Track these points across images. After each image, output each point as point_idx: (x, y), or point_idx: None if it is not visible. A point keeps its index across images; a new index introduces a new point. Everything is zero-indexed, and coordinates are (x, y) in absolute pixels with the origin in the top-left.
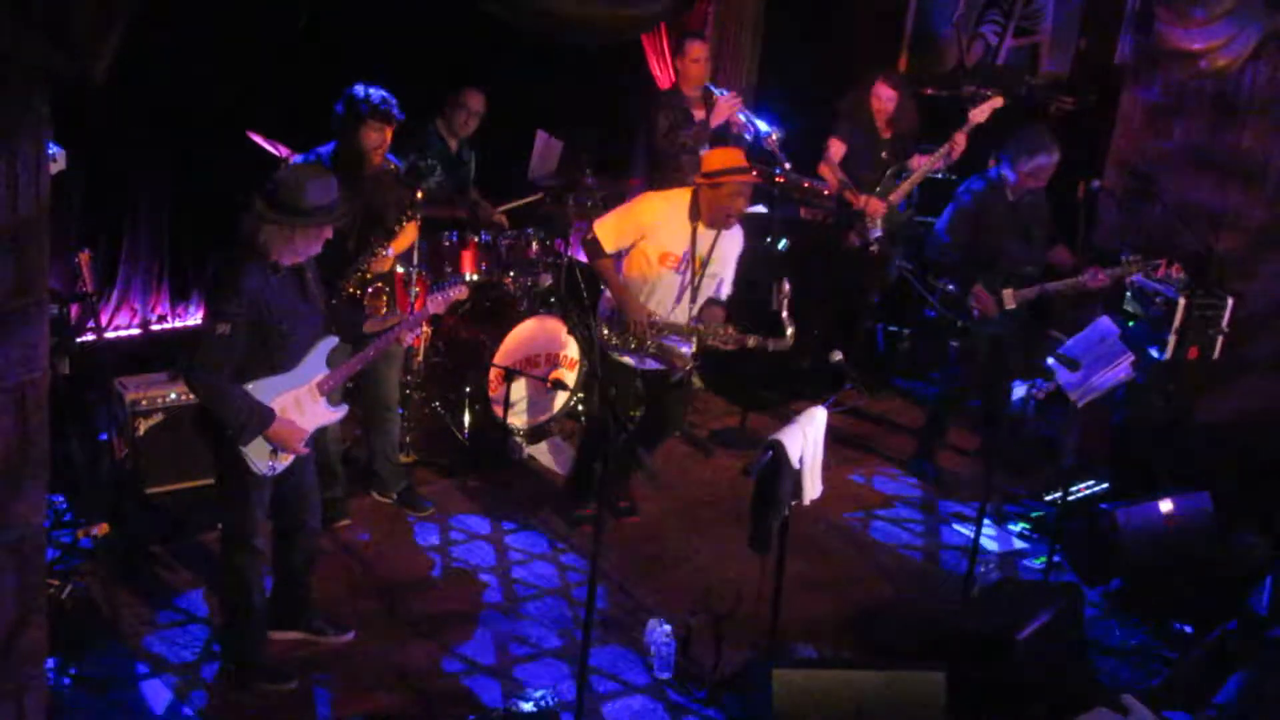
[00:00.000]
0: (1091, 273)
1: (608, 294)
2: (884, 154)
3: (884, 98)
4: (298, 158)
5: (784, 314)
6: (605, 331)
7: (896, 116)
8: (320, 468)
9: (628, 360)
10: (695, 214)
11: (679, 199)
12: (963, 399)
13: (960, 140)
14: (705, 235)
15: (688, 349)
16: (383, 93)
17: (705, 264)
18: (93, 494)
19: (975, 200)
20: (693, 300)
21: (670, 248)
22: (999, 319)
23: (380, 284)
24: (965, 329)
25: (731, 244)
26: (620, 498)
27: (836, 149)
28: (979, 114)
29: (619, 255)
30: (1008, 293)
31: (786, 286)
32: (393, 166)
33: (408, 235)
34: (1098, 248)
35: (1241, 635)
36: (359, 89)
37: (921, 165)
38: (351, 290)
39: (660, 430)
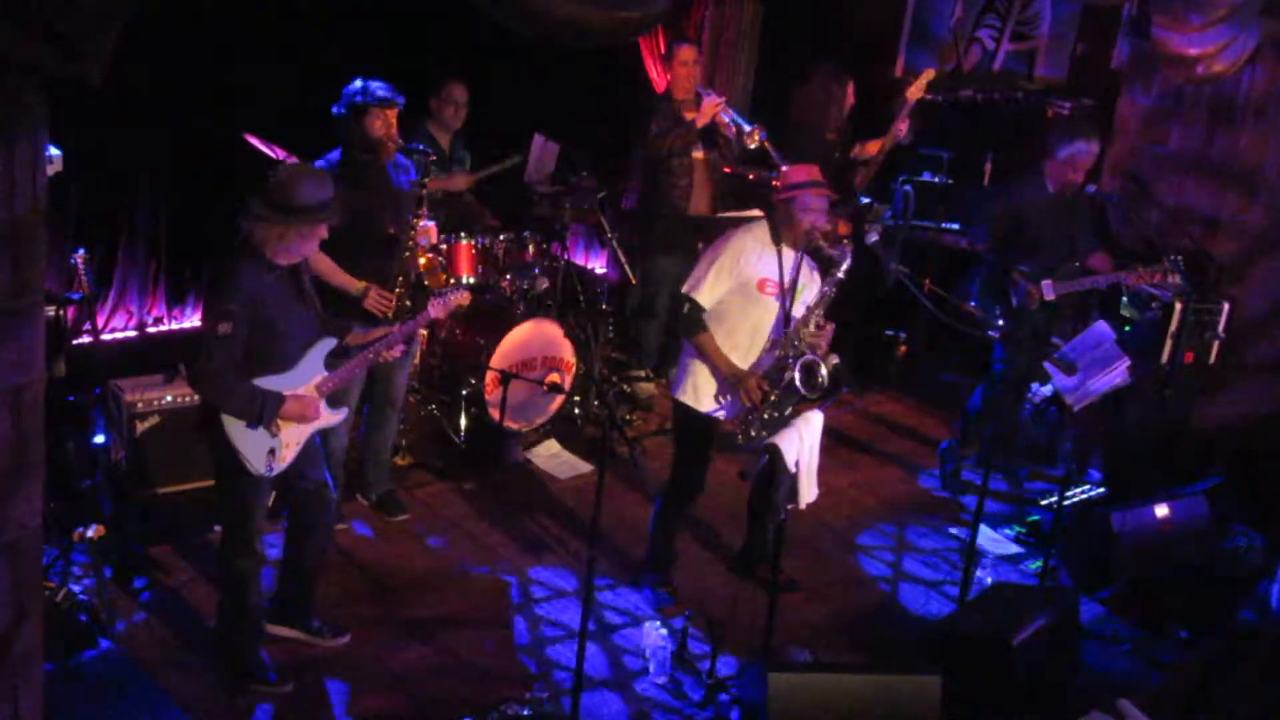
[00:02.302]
0: (1135, 271)
1: (692, 370)
2: (836, 154)
3: (851, 94)
4: (319, 164)
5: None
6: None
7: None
8: None
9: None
10: (776, 237)
11: (759, 227)
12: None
13: (903, 122)
14: (789, 259)
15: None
16: (377, 81)
17: (792, 289)
18: (89, 496)
19: (1014, 194)
20: (787, 325)
21: (767, 274)
22: (1040, 311)
23: (433, 255)
24: (1004, 330)
25: (811, 270)
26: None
27: None
28: (914, 92)
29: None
30: (1047, 283)
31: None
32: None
33: (429, 234)
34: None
35: (1237, 640)
36: (353, 84)
37: (872, 154)
38: (414, 271)
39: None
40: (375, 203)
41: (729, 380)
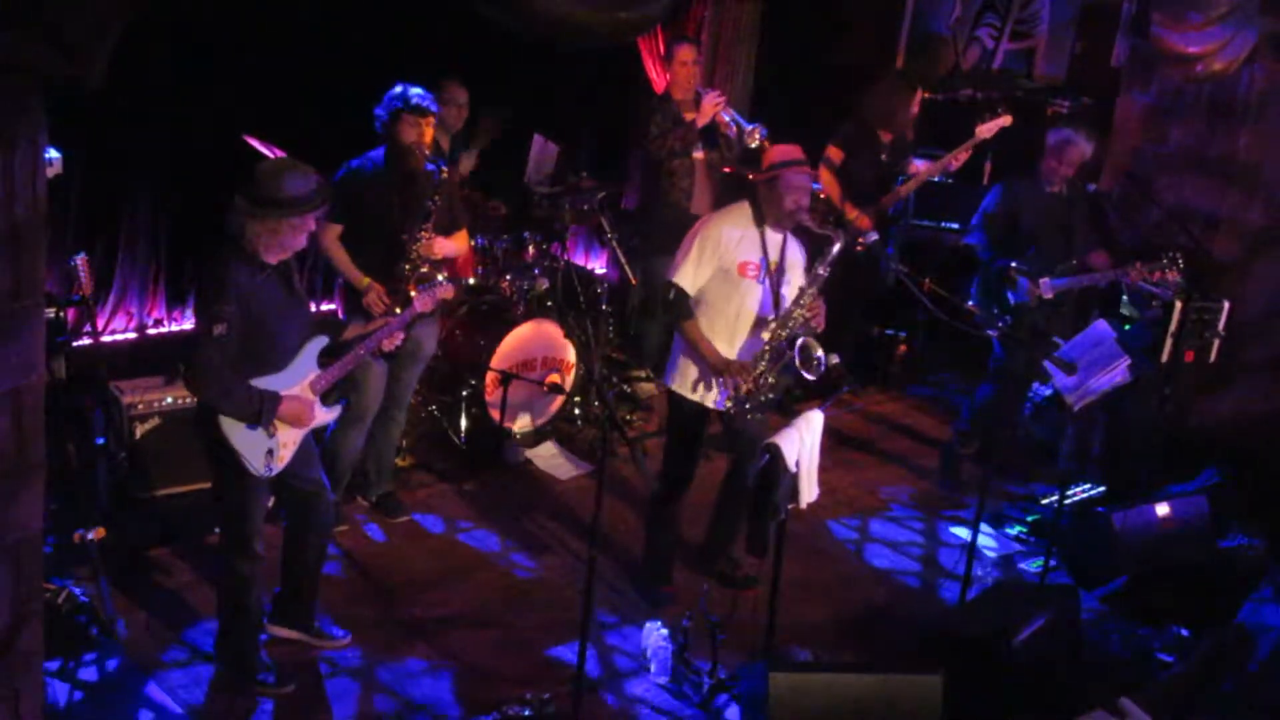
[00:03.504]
0: (1134, 268)
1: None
2: (883, 156)
3: (918, 103)
4: (353, 162)
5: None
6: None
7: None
8: (328, 472)
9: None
10: (759, 219)
11: (739, 210)
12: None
13: (963, 155)
14: (773, 240)
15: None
16: (419, 89)
17: (780, 269)
18: (89, 498)
19: (1008, 190)
20: (777, 306)
21: (747, 257)
22: (1039, 310)
23: (434, 270)
24: (1003, 329)
25: (798, 250)
26: (734, 565)
27: (835, 155)
28: (986, 130)
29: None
30: (1045, 281)
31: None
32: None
33: (459, 240)
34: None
35: (1237, 638)
36: (396, 88)
37: (920, 172)
38: (411, 277)
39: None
40: (395, 204)
41: (713, 370)
